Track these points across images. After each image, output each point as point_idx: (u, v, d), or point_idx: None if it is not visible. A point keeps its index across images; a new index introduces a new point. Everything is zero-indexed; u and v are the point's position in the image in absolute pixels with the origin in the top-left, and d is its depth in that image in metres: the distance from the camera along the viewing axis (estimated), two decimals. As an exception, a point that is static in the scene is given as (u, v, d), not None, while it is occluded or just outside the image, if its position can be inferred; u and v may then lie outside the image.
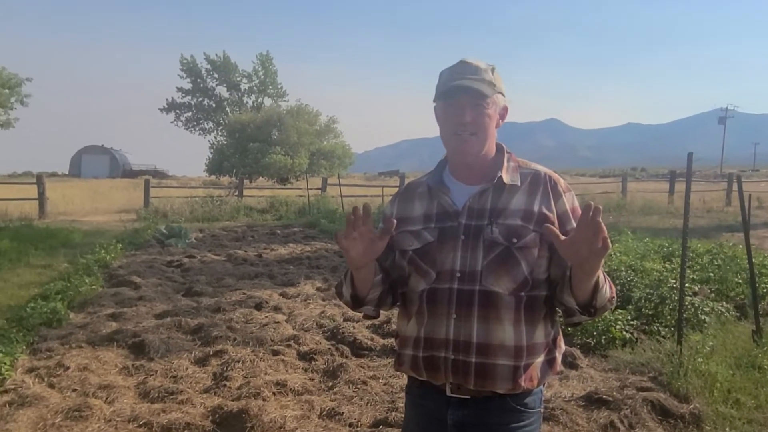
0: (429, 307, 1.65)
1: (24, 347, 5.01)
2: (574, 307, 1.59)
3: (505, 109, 1.71)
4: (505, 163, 1.70)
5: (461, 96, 1.62)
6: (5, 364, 4.42)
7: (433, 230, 1.69)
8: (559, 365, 1.72)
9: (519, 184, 1.66)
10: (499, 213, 1.64)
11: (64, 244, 11.51)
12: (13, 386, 4.14)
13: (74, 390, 4.13)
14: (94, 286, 7.50)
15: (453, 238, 1.65)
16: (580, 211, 1.56)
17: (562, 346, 1.77)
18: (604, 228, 1.38)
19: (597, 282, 1.52)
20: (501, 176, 1.66)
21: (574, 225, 1.57)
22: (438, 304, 1.64)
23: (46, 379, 4.32)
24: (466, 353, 1.60)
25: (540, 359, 1.65)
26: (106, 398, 3.98)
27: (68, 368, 4.47)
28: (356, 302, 1.75)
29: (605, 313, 1.62)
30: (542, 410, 1.74)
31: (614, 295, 1.60)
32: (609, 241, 1.41)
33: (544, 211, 1.62)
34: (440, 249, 1.66)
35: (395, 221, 1.59)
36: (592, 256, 1.41)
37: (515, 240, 1.60)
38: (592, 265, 1.45)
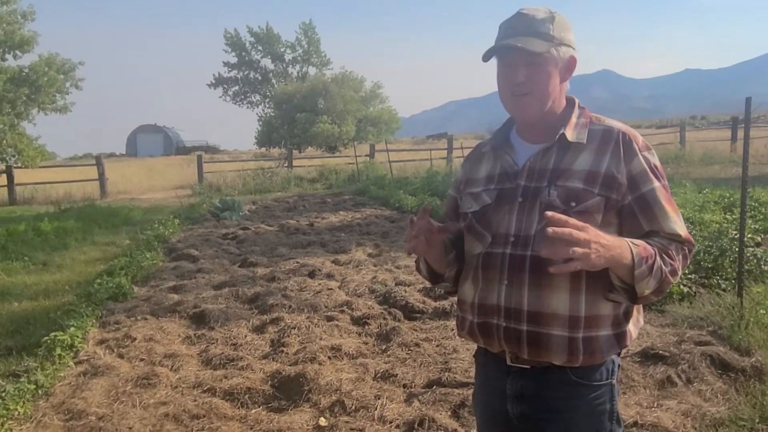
0: (483, 272, 1.58)
1: (94, 321, 5.28)
2: (615, 283, 1.45)
3: (571, 61, 1.55)
4: (573, 119, 1.56)
5: (513, 54, 1.50)
6: (78, 337, 4.69)
7: (491, 192, 1.61)
8: (629, 339, 1.55)
9: (585, 141, 1.52)
10: (560, 174, 1.51)
11: (126, 222, 12.00)
12: (86, 357, 4.40)
13: (142, 359, 4.35)
14: (155, 261, 7.81)
15: (510, 201, 1.56)
16: (662, 171, 1.52)
17: (640, 320, 1.60)
18: (568, 234, 1.26)
19: (634, 274, 1.39)
20: (564, 133, 1.53)
21: (656, 185, 1.48)
22: (491, 269, 1.56)
23: (115, 350, 4.56)
24: (518, 321, 1.51)
25: (604, 332, 1.50)
26: (172, 366, 4.18)
27: (135, 339, 4.71)
28: (434, 278, 1.78)
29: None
30: (614, 382, 1.58)
31: (666, 285, 1.45)
32: (582, 250, 1.27)
33: (612, 172, 1.47)
34: (496, 211, 1.58)
35: (430, 208, 1.57)
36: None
37: (574, 204, 1.47)
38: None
